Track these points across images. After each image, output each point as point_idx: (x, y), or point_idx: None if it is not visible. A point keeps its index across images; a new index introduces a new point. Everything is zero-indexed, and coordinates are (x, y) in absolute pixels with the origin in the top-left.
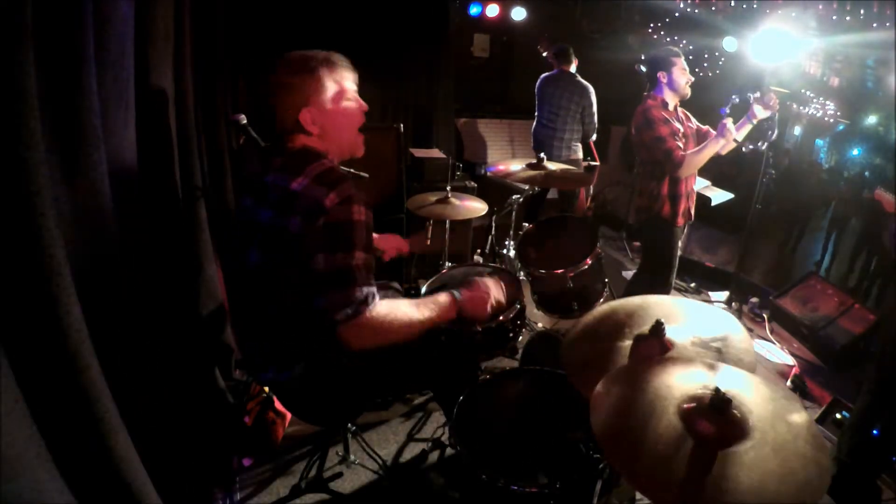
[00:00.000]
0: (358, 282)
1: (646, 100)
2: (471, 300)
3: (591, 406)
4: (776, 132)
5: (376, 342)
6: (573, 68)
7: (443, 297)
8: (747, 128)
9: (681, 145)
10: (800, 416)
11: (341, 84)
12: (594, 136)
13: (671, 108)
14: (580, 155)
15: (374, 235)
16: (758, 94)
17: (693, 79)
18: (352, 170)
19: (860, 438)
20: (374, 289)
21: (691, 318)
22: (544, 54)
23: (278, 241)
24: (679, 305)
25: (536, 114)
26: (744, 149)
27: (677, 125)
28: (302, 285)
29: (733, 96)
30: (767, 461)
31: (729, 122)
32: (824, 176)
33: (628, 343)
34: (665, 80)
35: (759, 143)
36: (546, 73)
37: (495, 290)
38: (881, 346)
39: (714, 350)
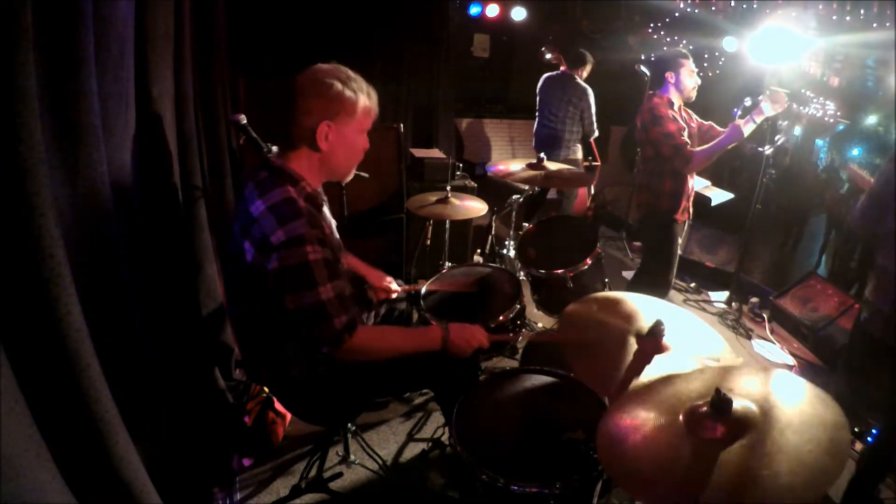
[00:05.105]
0: (332, 316)
1: (651, 98)
2: (457, 341)
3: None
4: (783, 137)
5: (363, 359)
6: (580, 74)
7: (432, 332)
8: (751, 126)
9: (689, 142)
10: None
11: (366, 118)
12: (596, 134)
13: (675, 107)
14: (580, 155)
15: (362, 266)
16: (768, 93)
17: (700, 82)
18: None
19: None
20: (353, 314)
21: (685, 333)
22: (547, 56)
23: (240, 260)
24: (674, 318)
25: (537, 114)
26: (748, 148)
27: (682, 124)
28: (272, 310)
29: (746, 99)
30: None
31: (741, 123)
32: (824, 176)
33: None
34: (672, 81)
35: (766, 146)
36: (547, 73)
37: (480, 336)
38: None
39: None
